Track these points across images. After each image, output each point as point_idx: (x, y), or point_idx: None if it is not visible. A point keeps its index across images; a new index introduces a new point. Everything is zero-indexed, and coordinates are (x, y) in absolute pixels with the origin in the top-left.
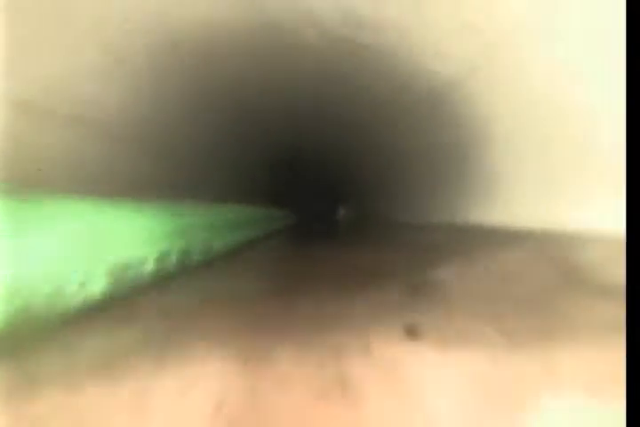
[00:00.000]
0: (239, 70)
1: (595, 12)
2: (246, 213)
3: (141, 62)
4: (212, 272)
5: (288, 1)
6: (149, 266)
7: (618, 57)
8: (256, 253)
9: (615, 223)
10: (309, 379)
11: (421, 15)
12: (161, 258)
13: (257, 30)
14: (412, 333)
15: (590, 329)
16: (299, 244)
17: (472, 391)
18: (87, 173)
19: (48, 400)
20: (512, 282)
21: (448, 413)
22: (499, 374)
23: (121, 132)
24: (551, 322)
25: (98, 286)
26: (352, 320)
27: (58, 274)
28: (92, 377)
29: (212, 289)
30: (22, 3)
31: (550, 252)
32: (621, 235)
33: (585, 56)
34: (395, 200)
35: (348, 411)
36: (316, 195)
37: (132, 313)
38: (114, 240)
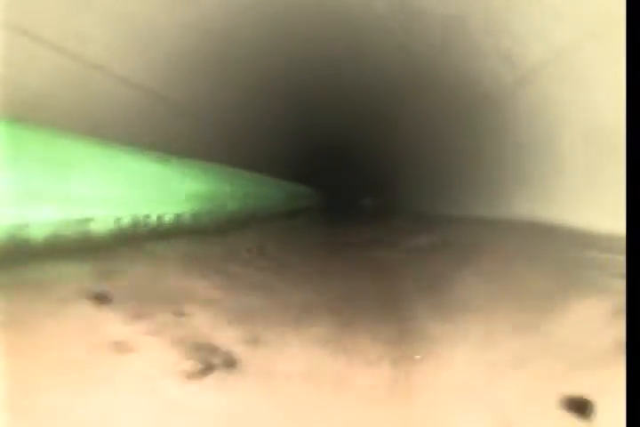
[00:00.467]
0: (297, 50)
1: None
2: (279, 186)
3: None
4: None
5: None
6: (164, 220)
7: None
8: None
9: None
10: None
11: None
12: (179, 215)
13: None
14: None
15: None
16: (324, 222)
17: None
18: (94, 113)
19: None
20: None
21: None
22: None
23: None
24: None
25: (102, 227)
26: None
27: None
28: None
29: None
30: None
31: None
32: None
33: None
34: (421, 194)
35: None
36: (347, 182)
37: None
38: (129, 188)
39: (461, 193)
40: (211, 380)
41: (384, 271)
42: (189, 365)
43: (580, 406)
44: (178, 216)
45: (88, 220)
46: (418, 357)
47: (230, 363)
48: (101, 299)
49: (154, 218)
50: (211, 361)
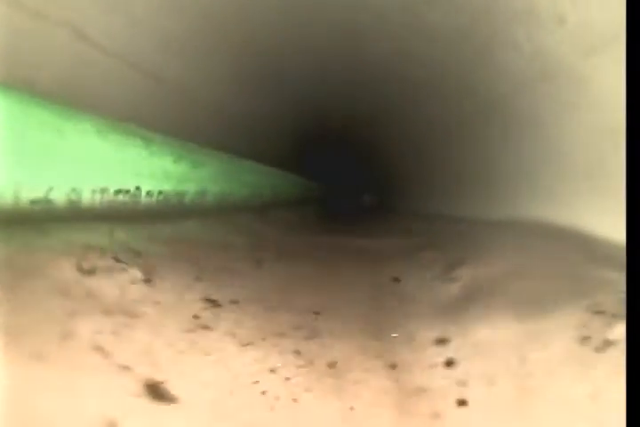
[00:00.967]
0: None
1: None
2: (275, 176)
3: None
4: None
5: None
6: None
7: None
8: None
9: None
10: None
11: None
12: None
13: None
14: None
15: None
16: (317, 216)
17: None
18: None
19: None
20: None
21: None
22: None
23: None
24: None
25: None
26: None
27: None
28: None
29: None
30: None
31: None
32: None
33: None
34: (422, 195)
35: None
36: (348, 178)
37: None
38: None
39: (462, 193)
40: None
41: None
42: None
43: None
44: (160, 193)
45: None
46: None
47: None
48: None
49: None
50: None
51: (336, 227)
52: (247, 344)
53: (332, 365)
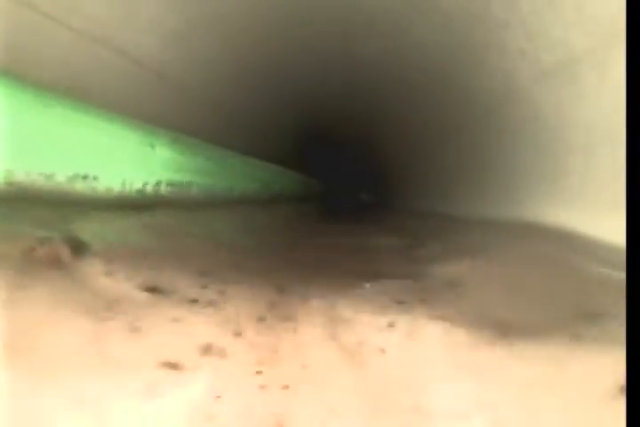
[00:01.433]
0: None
1: None
2: (276, 172)
3: None
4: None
5: None
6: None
7: None
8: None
9: None
10: None
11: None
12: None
13: None
14: None
15: None
16: (318, 211)
17: None
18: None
19: None
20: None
21: None
22: None
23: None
24: None
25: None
26: None
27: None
28: None
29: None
30: None
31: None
32: None
33: None
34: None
35: None
36: (347, 176)
37: None
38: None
39: (458, 192)
40: None
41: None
42: None
43: None
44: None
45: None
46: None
47: None
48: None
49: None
50: None
51: (333, 224)
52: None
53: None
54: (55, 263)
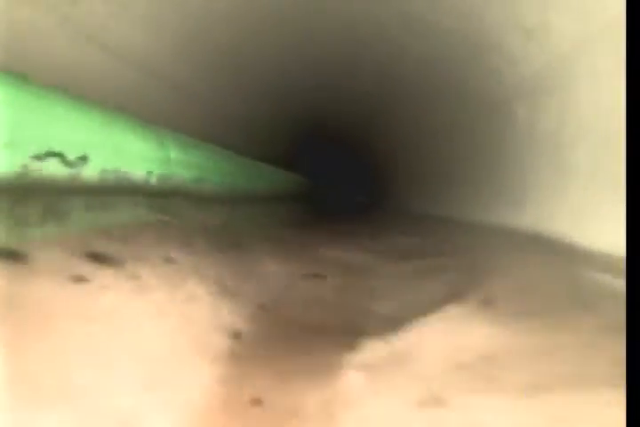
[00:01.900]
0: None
1: None
2: (265, 169)
3: None
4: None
5: None
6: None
7: None
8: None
9: None
10: None
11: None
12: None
13: None
14: None
15: None
16: (311, 212)
17: None
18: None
19: None
20: None
21: None
22: None
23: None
24: None
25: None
26: None
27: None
28: None
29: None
30: None
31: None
32: None
33: None
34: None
35: None
36: (342, 178)
37: None
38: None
39: (455, 196)
40: None
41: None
42: None
43: None
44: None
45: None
46: None
47: None
48: None
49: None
50: None
51: (325, 223)
52: None
53: None
54: None
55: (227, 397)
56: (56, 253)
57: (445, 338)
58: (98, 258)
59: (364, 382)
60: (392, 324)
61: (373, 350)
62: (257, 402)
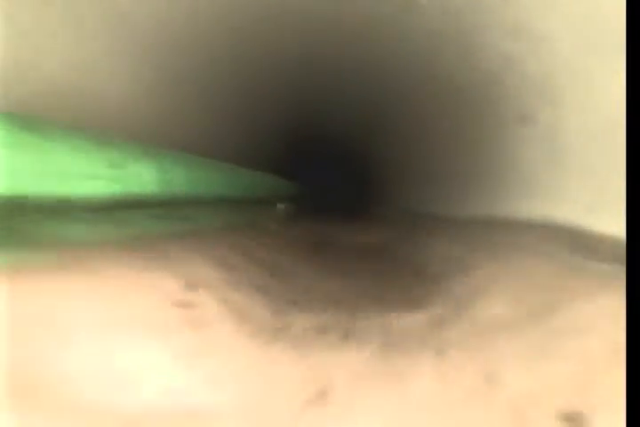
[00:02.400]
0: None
1: None
2: (252, 177)
3: None
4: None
5: None
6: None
7: None
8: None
9: None
10: None
11: None
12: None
13: None
14: None
15: None
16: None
17: None
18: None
19: None
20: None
21: None
22: None
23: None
24: None
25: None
26: None
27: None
28: None
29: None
30: None
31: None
32: None
33: None
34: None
35: None
36: (331, 179)
37: None
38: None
39: (456, 191)
40: None
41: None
42: None
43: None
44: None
45: None
46: None
47: None
48: None
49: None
50: None
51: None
52: None
53: None
54: None
55: None
56: None
57: None
58: None
59: None
60: None
61: None
62: None
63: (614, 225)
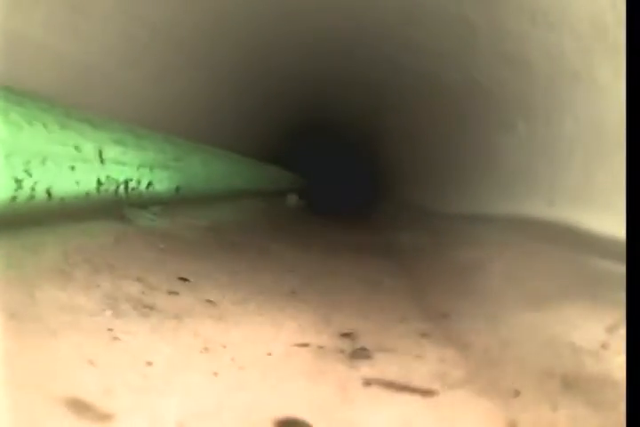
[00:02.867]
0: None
1: None
2: (255, 167)
3: None
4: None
5: None
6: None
7: None
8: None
9: None
10: None
11: None
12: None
13: None
14: None
15: None
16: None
17: None
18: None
19: None
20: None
21: None
22: None
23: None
24: None
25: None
26: None
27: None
28: None
29: None
30: None
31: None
32: None
33: None
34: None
35: None
36: (336, 173)
37: None
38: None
39: (457, 190)
40: None
41: None
42: None
43: None
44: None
45: None
46: None
47: None
48: None
49: None
50: None
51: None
52: None
53: None
54: None
55: None
56: None
57: None
58: None
59: None
60: None
61: None
62: None
63: (615, 224)
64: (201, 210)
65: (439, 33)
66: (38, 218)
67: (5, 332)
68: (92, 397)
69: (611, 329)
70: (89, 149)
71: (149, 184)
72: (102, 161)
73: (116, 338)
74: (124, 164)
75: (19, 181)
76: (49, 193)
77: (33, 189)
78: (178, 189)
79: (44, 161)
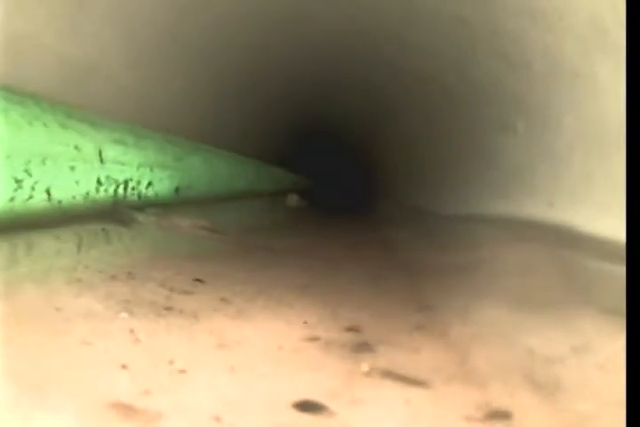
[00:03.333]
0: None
1: None
2: (258, 168)
3: None
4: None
5: None
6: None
7: None
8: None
9: None
10: None
11: None
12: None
13: None
14: None
15: None
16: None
17: None
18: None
19: None
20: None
21: None
22: None
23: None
24: None
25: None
26: None
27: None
28: None
29: None
30: None
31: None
32: None
33: None
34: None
35: None
36: (335, 174)
37: None
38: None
39: (455, 190)
40: None
41: None
42: None
43: None
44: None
45: None
46: None
47: None
48: None
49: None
50: None
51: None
52: None
53: None
54: None
55: None
56: None
57: None
58: None
59: None
60: None
61: None
62: None
63: (614, 225)
64: (203, 210)
65: (438, 35)
66: (38, 218)
67: (24, 339)
68: (133, 399)
69: (580, 346)
70: (89, 149)
71: (149, 184)
72: (102, 161)
73: (137, 340)
74: (123, 164)
75: (19, 181)
76: (49, 193)
77: (33, 188)
78: (178, 189)
79: (43, 161)
